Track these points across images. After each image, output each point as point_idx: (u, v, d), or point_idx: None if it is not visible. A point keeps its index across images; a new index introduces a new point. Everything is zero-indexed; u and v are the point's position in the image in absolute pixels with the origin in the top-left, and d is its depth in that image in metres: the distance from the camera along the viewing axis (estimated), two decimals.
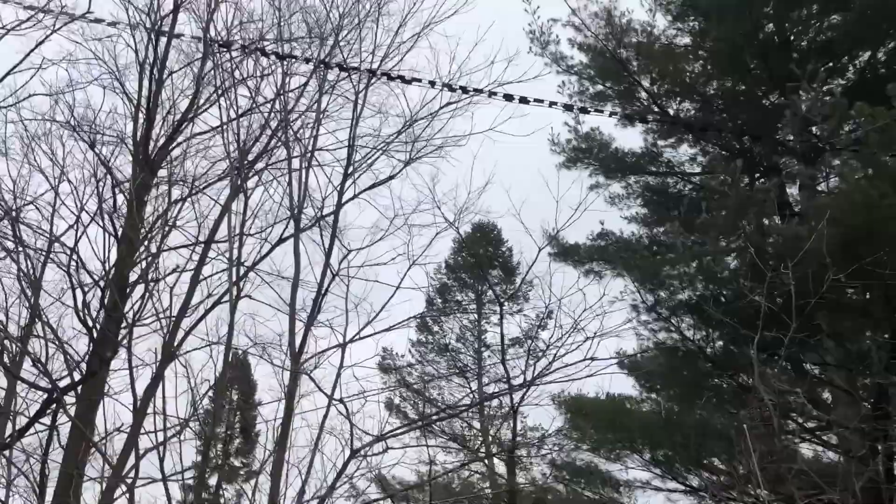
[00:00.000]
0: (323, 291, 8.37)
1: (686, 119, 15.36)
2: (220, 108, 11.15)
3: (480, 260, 21.00)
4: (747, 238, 8.97)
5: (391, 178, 11.99)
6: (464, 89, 10.93)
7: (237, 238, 10.47)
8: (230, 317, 9.49)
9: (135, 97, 11.27)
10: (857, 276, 8.44)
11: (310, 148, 10.14)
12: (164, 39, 11.28)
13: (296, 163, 10.12)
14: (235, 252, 9.45)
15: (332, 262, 9.29)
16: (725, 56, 14.73)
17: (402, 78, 11.94)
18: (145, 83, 11.16)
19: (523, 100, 12.76)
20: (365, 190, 11.95)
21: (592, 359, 7.94)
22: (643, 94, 15.17)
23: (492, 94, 11.72)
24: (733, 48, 14.51)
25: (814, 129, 12.35)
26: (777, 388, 6.86)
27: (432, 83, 11.38)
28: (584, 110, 14.99)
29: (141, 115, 11.14)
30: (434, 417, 11.29)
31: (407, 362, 20.64)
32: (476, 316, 21.51)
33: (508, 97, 12.20)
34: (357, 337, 7.79)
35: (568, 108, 13.92)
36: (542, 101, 13.23)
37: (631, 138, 16.15)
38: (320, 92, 11.29)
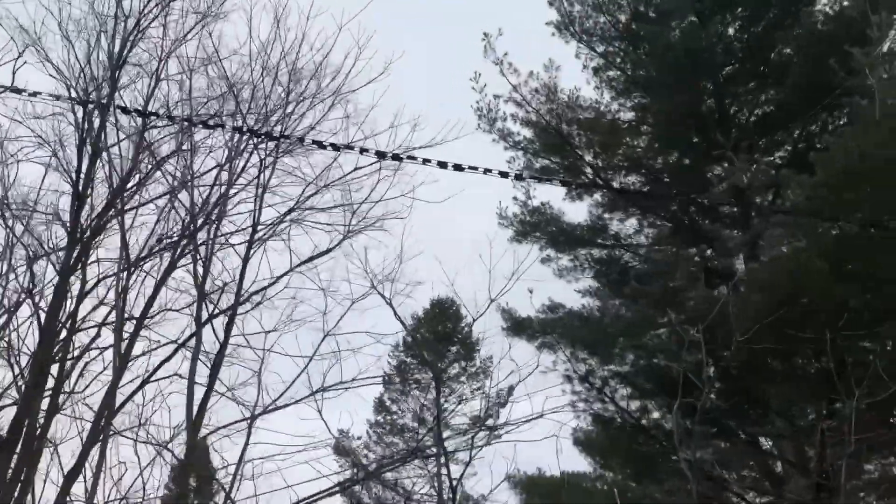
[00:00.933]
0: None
1: (631, 191, 15.50)
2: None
3: (439, 336, 20.73)
4: (671, 305, 8.89)
5: (328, 251, 11.95)
6: (396, 156, 10.92)
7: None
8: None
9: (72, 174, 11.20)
10: (784, 343, 8.37)
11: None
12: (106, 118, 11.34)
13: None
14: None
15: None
16: (667, 130, 15.03)
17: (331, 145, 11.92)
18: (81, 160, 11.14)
19: (457, 167, 12.80)
20: (302, 263, 11.91)
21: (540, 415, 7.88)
22: (588, 169, 15.33)
23: (426, 161, 11.77)
24: (674, 123, 14.82)
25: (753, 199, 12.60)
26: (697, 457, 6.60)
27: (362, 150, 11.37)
28: (518, 177, 15.04)
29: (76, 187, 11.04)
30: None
31: (363, 443, 20.08)
32: (435, 394, 21.06)
33: (442, 164, 12.23)
34: (263, 411, 7.50)
35: (503, 174, 13.85)
36: (476, 167, 13.32)
37: (579, 212, 16.20)
38: (261, 167, 11.38)
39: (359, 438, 20.33)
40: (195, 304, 9.33)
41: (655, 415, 10.52)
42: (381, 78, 10.71)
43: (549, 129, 14.50)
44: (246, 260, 9.68)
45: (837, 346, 8.07)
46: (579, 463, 15.38)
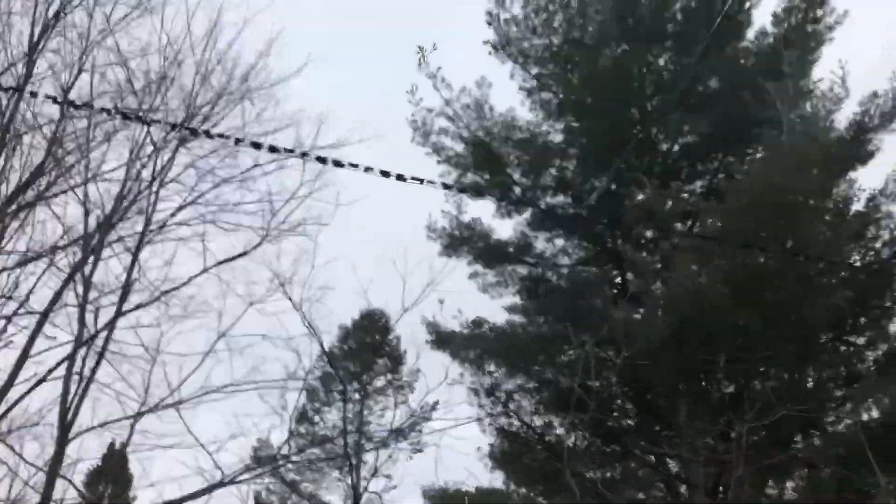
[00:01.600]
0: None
1: (557, 212, 15.74)
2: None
3: (366, 348, 20.60)
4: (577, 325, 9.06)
5: (244, 254, 11.83)
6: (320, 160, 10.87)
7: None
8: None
9: None
10: (687, 365, 8.58)
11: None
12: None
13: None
14: None
15: None
16: (594, 155, 15.32)
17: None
18: None
19: (400, 177, 12.81)
20: (217, 264, 11.74)
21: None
22: (517, 188, 15.52)
23: (367, 168, 11.74)
24: (601, 148, 15.12)
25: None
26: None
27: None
28: (460, 189, 15.17)
29: None
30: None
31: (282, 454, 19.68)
32: (360, 407, 20.92)
33: (370, 168, 12.21)
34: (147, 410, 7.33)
35: (446, 186, 13.98)
36: (421, 179, 13.34)
37: (508, 229, 16.33)
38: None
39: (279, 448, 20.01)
40: (80, 302, 9.09)
41: (559, 430, 10.64)
42: (292, 78, 10.72)
43: (479, 145, 14.62)
44: (135, 257, 9.52)
45: (735, 370, 8.33)
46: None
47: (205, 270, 11.60)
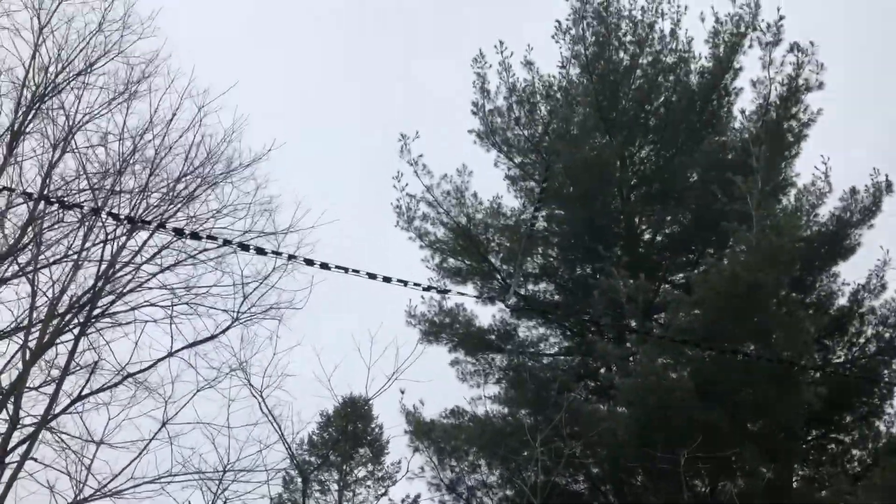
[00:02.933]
0: None
1: (539, 300, 15.61)
2: None
3: (347, 437, 20.08)
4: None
5: (213, 337, 11.64)
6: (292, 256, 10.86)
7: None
8: None
9: None
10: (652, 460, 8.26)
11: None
12: None
13: None
14: None
15: None
16: (576, 243, 15.31)
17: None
18: None
19: (371, 275, 12.72)
20: (184, 347, 11.54)
21: None
22: (498, 275, 15.44)
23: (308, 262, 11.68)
24: (582, 236, 15.12)
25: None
26: None
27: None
28: (441, 291, 15.02)
29: None
30: None
31: None
32: (338, 496, 20.23)
33: (357, 271, 12.12)
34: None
35: (424, 287, 13.87)
36: (402, 280, 13.24)
37: (488, 316, 16.13)
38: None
39: None
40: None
41: None
42: (269, 159, 10.86)
43: (460, 231, 14.62)
44: (78, 337, 9.39)
45: (701, 468, 8.00)
46: None
47: (171, 354, 11.42)
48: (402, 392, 9.88)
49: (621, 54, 15.64)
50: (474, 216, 14.92)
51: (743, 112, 13.94)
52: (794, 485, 11.82)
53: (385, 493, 20.05)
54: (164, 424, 8.86)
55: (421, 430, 15.62)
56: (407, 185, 15.51)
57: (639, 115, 15.63)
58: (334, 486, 20.53)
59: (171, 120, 11.44)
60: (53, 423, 10.31)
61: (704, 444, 8.54)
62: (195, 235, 11.81)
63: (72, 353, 9.44)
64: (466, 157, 16.20)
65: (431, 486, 11.43)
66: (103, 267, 11.05)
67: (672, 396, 8.45)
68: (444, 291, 14.57)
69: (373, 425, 21.29)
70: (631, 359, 10.33)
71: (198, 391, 9.29)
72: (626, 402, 8.87)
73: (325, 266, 10.72)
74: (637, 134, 15.64)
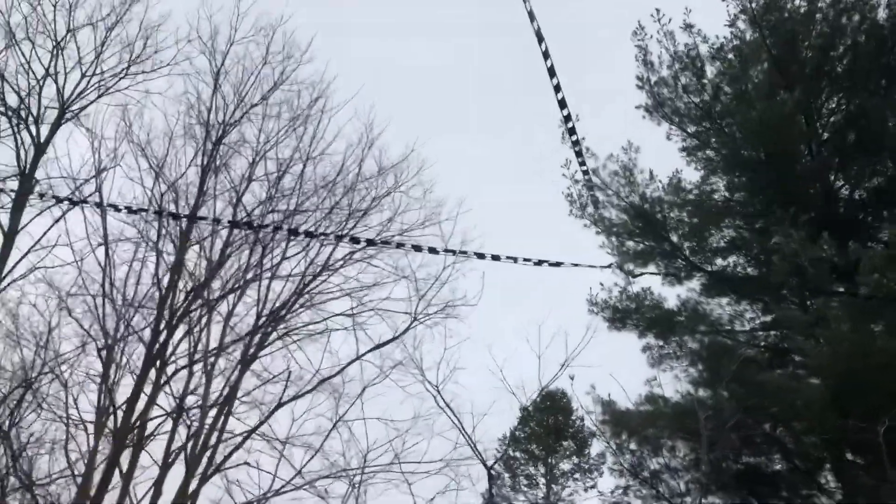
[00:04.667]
0: None
1: (730, 275, 14.70)
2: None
3: (548, 431, 20.07)
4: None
5: (395, 338, 12.15)
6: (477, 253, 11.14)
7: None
8: None
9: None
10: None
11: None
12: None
13: None
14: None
15: None
16: (764, 211, 14.23)
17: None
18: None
19: (540, 262, 12.71)
20: (368, 351, 12.15)
21: None
22: (682, 253, 14.75)
23: (495, 257, 11.80)
24: (773, 202, 14.02)
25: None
26: None
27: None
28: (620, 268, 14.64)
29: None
30: None
31: None
32: (545, 490, 20.25)
33: (528, 259, 12.18)
34: None
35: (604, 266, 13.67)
36: (578, 264, 13.07)
37: (677, 296, 15.39)
38: None
39: None
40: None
41: None
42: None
43: (632, 211, 14.15)
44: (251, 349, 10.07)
45: None
46: None
47: (358, 358, 12.06)
48: (572, 378, 9.68)
49: (796, 1, 14.41)
50: (648, 194, 14.35)
51: None
52: None
53: (594, 485, 19.81)
54: (336, 423, 9.34)
55: (617, 420, 15.28)
56: (576, 171, 15.32)
57: (822, 63, 14.24)
58: (542, 480, 20.57)
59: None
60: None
61: None
62: (371, 242, 12.51)
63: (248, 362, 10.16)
64: (635, 138, 15.64)
65: (611, 471, 11.08)
66: (294, 283, 11.94)
67: (868, 362, 7.59)
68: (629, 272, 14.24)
69: (573, 418, 21.10)
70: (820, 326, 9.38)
71: (365, 388, 9.72)
72: (816, 372, 8.08)
73: (496, 258, 10.88)
74: (822, 85, 14.27)
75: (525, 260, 11.52)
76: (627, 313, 15.04)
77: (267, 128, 13.07)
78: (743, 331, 14.49)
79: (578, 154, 13.15)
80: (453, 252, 12.04)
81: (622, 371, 13.73)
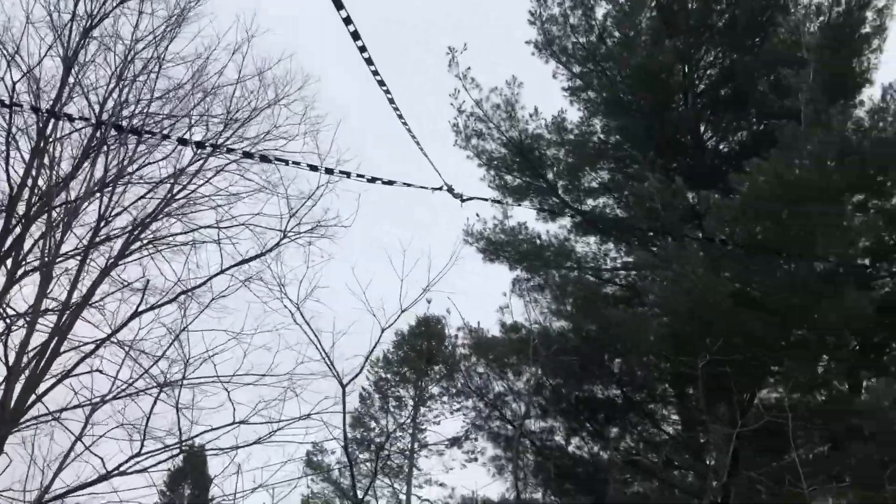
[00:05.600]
0: None
1: (600, 215, 15.23)
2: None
3: (421, 355, 20.53)
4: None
5: (260, 255, 11.99)
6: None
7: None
8: None
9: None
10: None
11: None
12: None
13: None
14: None
15: None
16: (639, 155, 14.71)
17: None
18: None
19: (389, 182, 12.73)
20: (233, 265, 11.97)
21: None
22: (559, 191, 15.14)
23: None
24: (646, 148, 14.52)
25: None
26: None
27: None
28: (451, 190, 14.87)
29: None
30: None
31: (336, 461, 19.92)
32: (413, 413, 20.86)
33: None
34: None
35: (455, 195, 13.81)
36: (393, 182, 13.14)
37: (550, 233, 15.84)
38: None
39: (333, 453, 20.26)
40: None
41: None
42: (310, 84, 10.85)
43: (511, 146, 14.35)
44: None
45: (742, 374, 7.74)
46: None
47: (222, 271, 11.84)
48: (429, 302, 9.86)
49: None
50: (529, 130, 14.55)
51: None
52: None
53: (460, 409, 20.49)
54: (181, 330, 9.27)
55: (481, 346, 15.78)
56: (463, 102, 15.30)
57: (706, 16, 14.66)
58: (410, 403, 21.15)
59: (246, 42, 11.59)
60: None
61: (745, 353, 8.25)
62: (248, 155, 12.13)
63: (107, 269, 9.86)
64: (525, 75, 15.69)
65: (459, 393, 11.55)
66: (162, 191, 11.52)
67: (707, 302, 8.12)
68: (457, 195, 14.48)
69: (446, 343, 21.64)
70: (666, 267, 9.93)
71: (214, 298, 9.66)
72: (660, 309, 8.58)
73: (329, 171, 10.70)
74: (703, 38, 14.72)
75: (358, 176, 11.58)
76: (501, 246, 15.40)
77: (142, 26, 12.37)
78: (606, 269, 15.14)
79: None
80: (297, 164, 11.66)
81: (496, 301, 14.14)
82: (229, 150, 12.35)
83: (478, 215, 15.33)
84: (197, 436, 9.16)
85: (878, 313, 12.01)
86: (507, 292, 13.50)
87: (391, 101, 5.02)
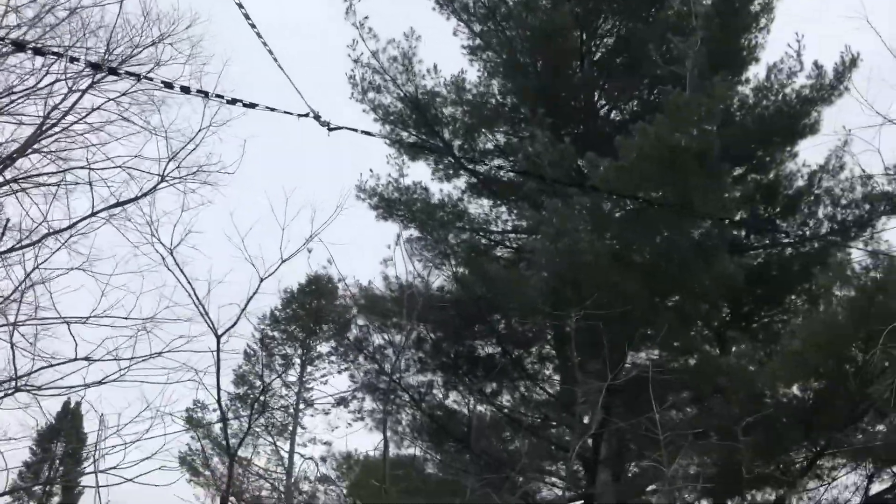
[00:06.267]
0: None
1: (495, 177, 15.23)
2: None
3: (310, 313, 20.18)
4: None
5: (136, 198, 11.41)
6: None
7: None
8: None
9: None
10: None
11: None
12: None
13: None
14: None
15: None
16: (534, 116, 14.75)
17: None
18: None
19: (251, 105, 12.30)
20: (106, 208, 11.33)
21: None
22: (455, 150, 15.00)
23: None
24: (542, 110, 14.56)
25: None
26: None
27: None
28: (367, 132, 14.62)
29: None
30: None
31: (218, 416, 19.39)
32: (299, 371, 20.56)
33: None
34: None
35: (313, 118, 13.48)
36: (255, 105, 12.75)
37: (440, 192, 15.71)
38: None
39: (214, 410, 19.70)
40: None
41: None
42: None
43: (407, 101, 14.10)
44: None
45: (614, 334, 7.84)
46: None
47: (93, 213, 11.22)
48: (310, 251, 9.62)
49: None
50: (427, 86, 14.32)
51: None
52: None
53: (348, 368, 20.32)
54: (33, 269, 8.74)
55: (371, 306, 15.58)
56: (361, 54, 14.89)
57: None
58: (298, 361, 20.82)
59: None
60: None
61: (620, 313, 8.39)
62: (132, 74, 11.19)
63: None
64: (425, 32, 15.38)
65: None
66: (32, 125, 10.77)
67: (584, 260, 8.20)
68: (324, 123, 14.25)
69: (337, 302, 21.33)
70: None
71: (71, 236, 9.13)
72: (540, 267, 8.62)
73: (203, 93, 10.09)
74: (602, 4, 14.83)
75: (217, 97, 11.11)
76: (394, 204, 15.16)
77: None
78: (497, 231, 15.19)
79: None
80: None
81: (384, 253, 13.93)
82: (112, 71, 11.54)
83: (371, 171, 15.06)
84: (34, 372, 8.60)
85: (749, 284, 12.62)
86: (392, 245, 13.26)
87: (246, 16, 4.67)
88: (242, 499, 17.08)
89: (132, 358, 8.91)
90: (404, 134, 15.24)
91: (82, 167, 11.96)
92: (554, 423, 11.46)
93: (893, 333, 6.12)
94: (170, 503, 11.61)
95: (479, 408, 10.85)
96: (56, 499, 29.45)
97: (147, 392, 10.65)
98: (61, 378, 8.70)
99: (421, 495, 11.72)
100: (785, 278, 12.97)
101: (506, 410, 10.96)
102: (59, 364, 8.62)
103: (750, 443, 8.68)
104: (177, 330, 9.25)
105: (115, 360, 8.73)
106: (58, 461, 27.73)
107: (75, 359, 8.53)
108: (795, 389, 8.82)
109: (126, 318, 9.15)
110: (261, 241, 9.74)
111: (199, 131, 11.14)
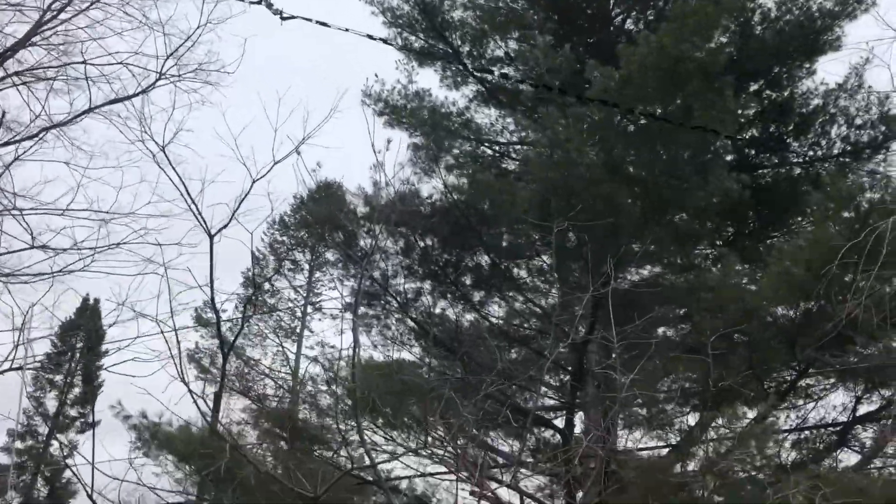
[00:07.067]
0: None
1: (505, 87, 14.89)
2: None
3: (318, 219, 20.18)
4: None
5: (133, 95, 11.34)
6: None
7: None
8: None
9: None
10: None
11: None
12: None
13: None
14: None
15: None
16: (553, 26, 14.29)
17: None
18: None
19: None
20: (103, 104, 11.29)
21: None
22: (463, 57, 14.65)
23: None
24: (560, 17, 14.11)
25: None
26: None
27: None
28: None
29: None
30: None
31: (230, 318, 19.82)
32: (308, 276, 20.79)
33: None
34: None
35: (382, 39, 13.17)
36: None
37: (445, 99, 15.39)
38: None
39: (224, 312, 20.08)
40: None
41: None
42: None
43: (417, 4, 13.69)
44: None
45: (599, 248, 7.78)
46: None
47: (91, 109, 11.19)
48: (299, 154, 9.49)
49: None
50: None
51: None
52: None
53: (355, 274, 20.47)
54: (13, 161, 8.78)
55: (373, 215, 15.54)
56: None
57: None
58: (306, 267, 21.03)
59: None
60: None
61: (610, 225, 8.31)
62: None
63: None
64: None
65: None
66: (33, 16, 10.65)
67: (576, 171, 8.06)
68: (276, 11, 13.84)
69: (346, 209, 21.34)
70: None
71: (49, 128, 9.13)
72: (531, 176, 8.49)
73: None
74: None
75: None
76: (400, 110, 14.92)
77: None
78: (502, 142, 14.96)
79: None
80: None
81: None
82: None
83: (376, 76, 14.77)
84: None
85: (756, 204, 12.40)
86: (382, 150, 13.09)
87: None
88: (248, 396, 17.60)
89: (95, 249, 9.04)
90: (412, 38, 14.89)
91: (82, 62, 11.87)
92: (546, 335, 11.56)
93: (878, 256, 6.00)
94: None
95: (468, 316, 11.00)
96: (77, 389, 30.56)
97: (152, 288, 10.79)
98: (28, 266, 8.91)
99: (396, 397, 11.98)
100: (793, 199, 12.74)
101: (493, 319, 11.10)
102: (13, 252, 8.80)
103: (735, 360, 8.71)
104: (172, 234, 9.30)
105: (76, 249, 8.88)
106: (77, 354, 28.64)
107: (30, 247, 8.69)
108: (782, 309, 8.76)
109: (117, 215, 9.18)
110: (253, 143, 9.63)
111: (197, 28, 10.91)
